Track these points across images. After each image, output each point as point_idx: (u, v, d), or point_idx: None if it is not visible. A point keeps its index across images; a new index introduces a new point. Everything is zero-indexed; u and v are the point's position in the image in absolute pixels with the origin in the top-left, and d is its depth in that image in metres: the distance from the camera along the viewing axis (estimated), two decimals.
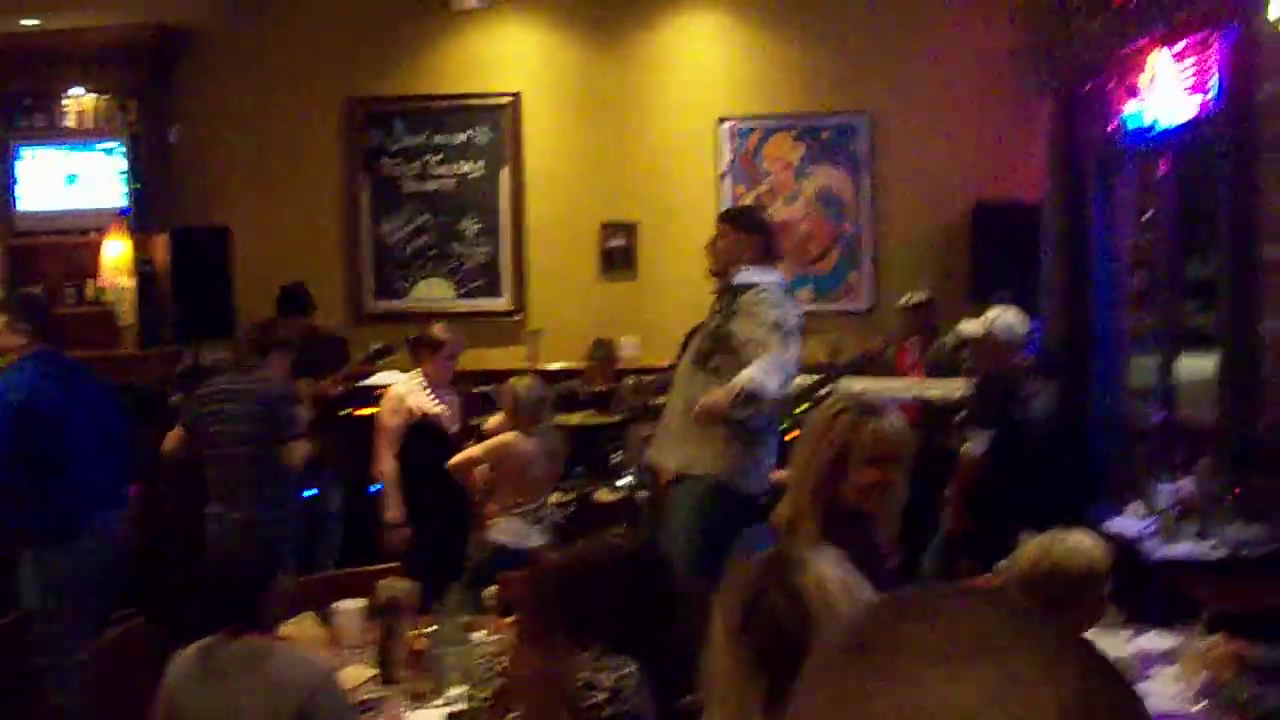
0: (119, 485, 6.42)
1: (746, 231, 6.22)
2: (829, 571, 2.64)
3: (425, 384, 7.44)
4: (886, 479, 3.69)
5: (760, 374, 5.74)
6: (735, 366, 5.87)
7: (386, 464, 7.30)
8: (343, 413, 8.42)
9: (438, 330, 7.56)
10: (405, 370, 8.63)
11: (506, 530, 6.69)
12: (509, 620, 4.78)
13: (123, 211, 9.64)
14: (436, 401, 7.40)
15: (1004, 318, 7.80)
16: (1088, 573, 4.00)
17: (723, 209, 8.34)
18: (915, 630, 0.95)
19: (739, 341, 5.87)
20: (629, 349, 9.67)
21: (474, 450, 6.92)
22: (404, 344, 7.99)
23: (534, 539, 6.67)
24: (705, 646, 2.66)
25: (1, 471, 5.93)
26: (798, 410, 7.47)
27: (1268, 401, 6.52)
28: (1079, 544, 4.05)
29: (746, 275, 6.05)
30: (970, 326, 7.82)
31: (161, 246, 9.14)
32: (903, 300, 9.28)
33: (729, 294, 6.09)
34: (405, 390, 7.39)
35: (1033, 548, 4.09)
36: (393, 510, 7.23)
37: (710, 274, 6.32)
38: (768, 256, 6.21)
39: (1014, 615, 0.97)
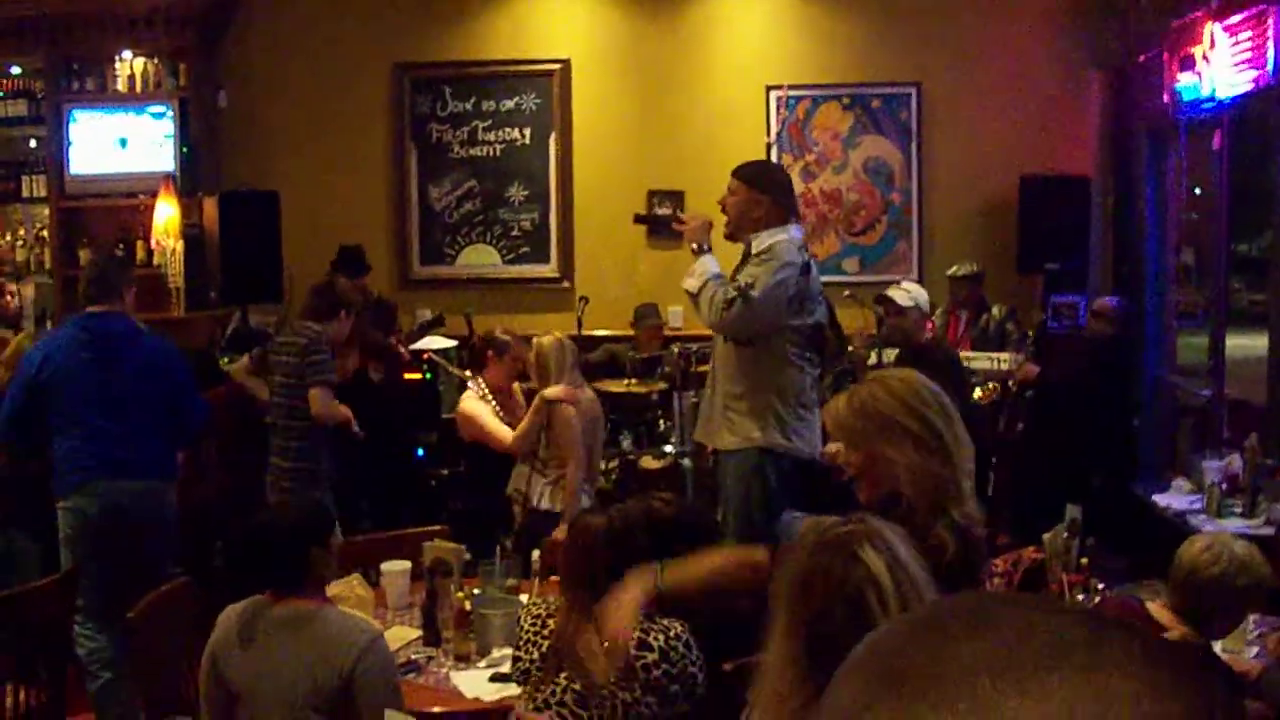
0: (147, 456, 6.20)
1: (758, 189, 5.79)
2: (880, 565, 2.49)
3: (484, 391, 7.35)
4: (842, 457, 3.54)
5: (694, 277, 5.75)
6: (764, 338, 5.74)
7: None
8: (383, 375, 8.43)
9: (501, 334, 7.45)
10: (450, 339, 8.69)
11: (552, 498, 6.71)
12: (553, 582, 4.82)
13: (171, 175, 9.69)
14: (499, 411, 7.29)
15: (922, 292, 7.86)
16: (1254, 587, 4.05)
17: None
18: (964, 645, 0.77)
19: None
20: (674, 318, 9.67)
21: (524, 423, 6.89)
22: (468, 349, 7.96)
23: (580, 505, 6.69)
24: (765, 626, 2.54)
25: (10, 431, 6.21)
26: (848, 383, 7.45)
27: None
28: (1251, 557, 4.07)
29: (760, 240, 5.73)
30: (899, 295, 7.75)
31: (210, 210, 9.16)
32: (951, 270, 9.25)
33: (744, 262, 5.83)
34: (473, 410, 7.25)
35: (1201, 549, 4.09)
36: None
37: (725, 237, 5.94)
38: (780, 215, 5.80)
39: (1091, 621, 0.79)
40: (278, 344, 6.94)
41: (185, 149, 9.97)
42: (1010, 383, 8.22)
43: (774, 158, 9.92)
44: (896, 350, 7.73)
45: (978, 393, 8.32)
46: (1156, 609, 4.02)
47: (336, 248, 9.01)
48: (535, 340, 6.93)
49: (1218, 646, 4.49)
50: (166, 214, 9.42)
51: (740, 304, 5.54)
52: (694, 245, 5.88)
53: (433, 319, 8.51)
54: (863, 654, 0.82)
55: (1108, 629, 0.78)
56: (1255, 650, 4.60)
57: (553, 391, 6.71)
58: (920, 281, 10.02)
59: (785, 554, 2.64)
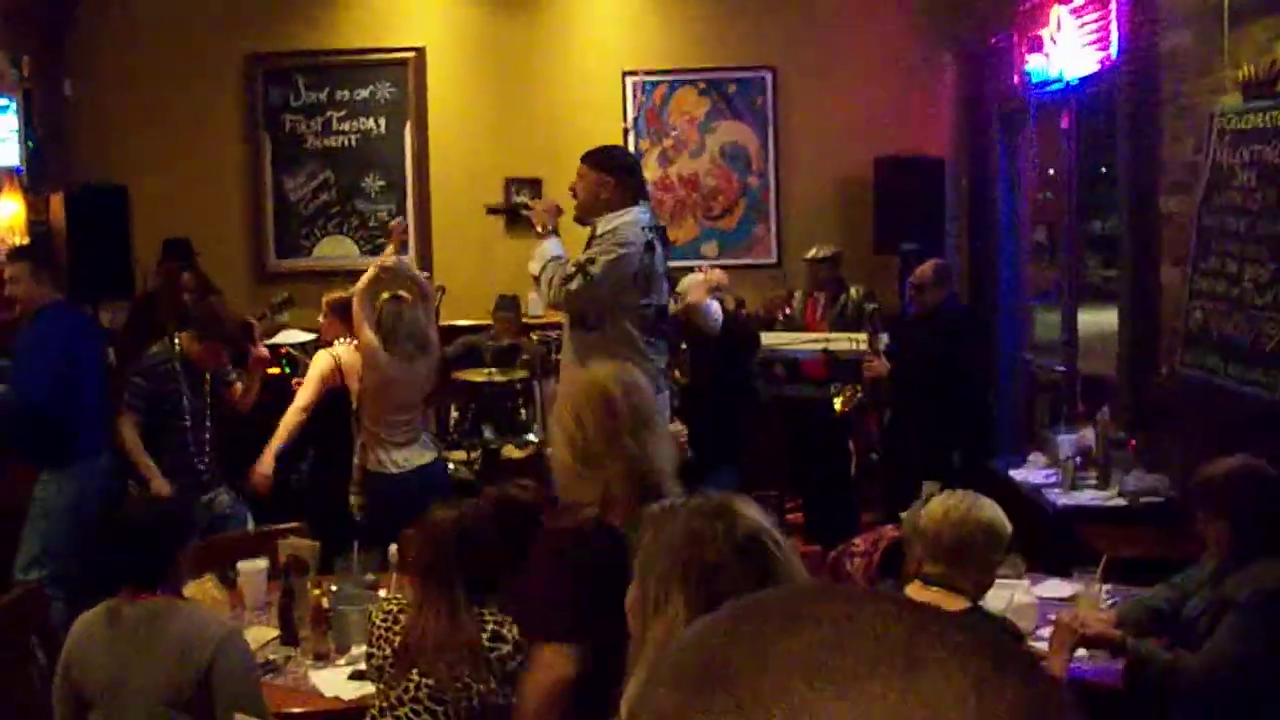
0: (106, 427, 6.74)
1: (602, 171, 5.90)
2: (765, 520, 2.52)
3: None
4: None
5: (536, 259, 5.90)
6: (611, 322, 5.79)
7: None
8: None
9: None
10: (305, 329, 8.56)
11: (373, 459, 6.59)
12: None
13: (16, 170, 9.44)
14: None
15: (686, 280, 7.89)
16: (997, 534, 4.01)
17: None
18: (780, 644, 0.73)
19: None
20: (534, 306, 9.62)
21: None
22: (326, 309, 7.85)
23: (403, 459, 6.64)
24: (636, 601, 2.51)
25: (47, 408, 6.46)
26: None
27: (1164, 353, 6.61)
28: (989, 506, 4.06)
29: (606, 222, 5.82)
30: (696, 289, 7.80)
31: (57, 206, 8.92)
32: (809, 253, 9.29)
33: (590, 245, 5.91)
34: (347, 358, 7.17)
35: (942, 505, 4.09)
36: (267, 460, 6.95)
37: (575, 219, 6.07)
38: (626, 196, 5.88)
39: (913, 615, 0.75)
40: None
41: (30, 144, 9.71)
42: (865, 377, 8.25)
43: (631, 143, 9.93)
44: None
45: (837, 404, 8.37)
46: (915, 590, 3.94)
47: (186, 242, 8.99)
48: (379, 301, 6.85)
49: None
50: (11, 211, 9.18)
51: (579, 279, 5.67)
52: (539, 228, 6.03)
53: (284, 300, 8.36)
54: (679, 652, 0.78)
55: (930, 622, 0.74)
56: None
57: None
58: (779, 264, 10.12)
59: (649, 525, 2.60)
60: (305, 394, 6.88)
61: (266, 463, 6.81)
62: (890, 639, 0.72)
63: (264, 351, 7.11)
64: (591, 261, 5.67)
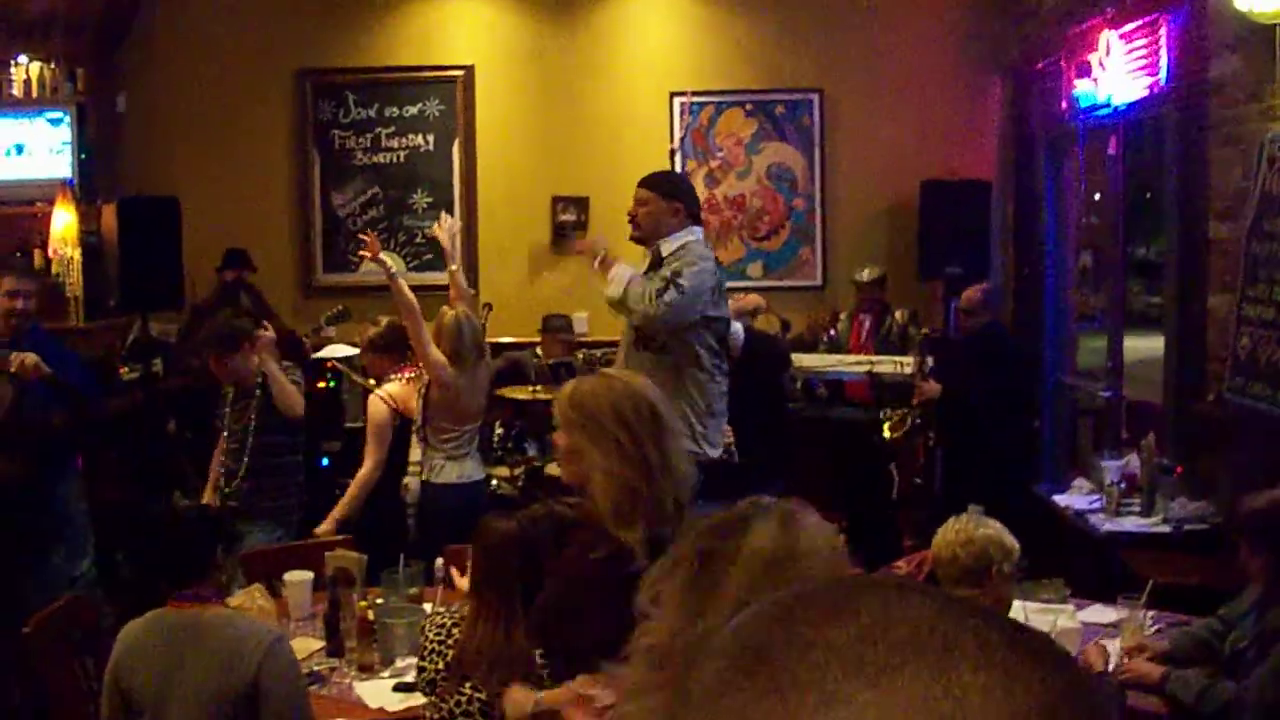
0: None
1: (667, 197, 5.96)
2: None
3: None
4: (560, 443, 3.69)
5: (614, 284, 5.81)
6: (679, 343, 5.81)
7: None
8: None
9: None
10: (352, 344, 8.60)
11: (438, 469, 6.59)
12: (457, 588, 4.80)
13: (69, 181, 9.53)
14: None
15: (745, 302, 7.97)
16: (1007, 547, 4.06)
17: None
18: (822, 633, 0.76)
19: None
20: (579, 324, 9.66)
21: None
22: (367, 346, 7.86)
23: (460, 474, 6.65)
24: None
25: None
26: None
27: (1210, 380, 6.59)
28: (993, 522, 4.13)
29: (670, 243, 5.88)
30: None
31: (109, 217, 9.00)
32: (856, 275, 9.31)
33: (655, 267, 5.90)
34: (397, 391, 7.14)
35: (950, 529, 4.14)
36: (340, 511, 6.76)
37: (632, 239, 6.11)
38: (691, 220, 5.99)
39: (952, 609, 0.78)
40: None
41: (84, 155, 9.81)
42: (914, 402, 8.26)
43: (678, 164, 9.95)
44: None
45: (886, 429, 8.37)
46: None
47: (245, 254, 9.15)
48: (443, 309, 6.84)
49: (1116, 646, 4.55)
50: (64, 221, 9.27)
51: (673, 291, 5.65)
52: (597, 265, 5.98)
53: (339, 311, 8.42)
54: (728, 634, 0.82)
55: (967, 616, 0.77)
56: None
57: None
58: (824, 286, 10.12)
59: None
60: (375, 451, 6.79)
61: (326, 529, 6.51)
62: (925, 632, 0.75)
63: (270, 334, 7.00)
64: (678, 274, 5.67)
